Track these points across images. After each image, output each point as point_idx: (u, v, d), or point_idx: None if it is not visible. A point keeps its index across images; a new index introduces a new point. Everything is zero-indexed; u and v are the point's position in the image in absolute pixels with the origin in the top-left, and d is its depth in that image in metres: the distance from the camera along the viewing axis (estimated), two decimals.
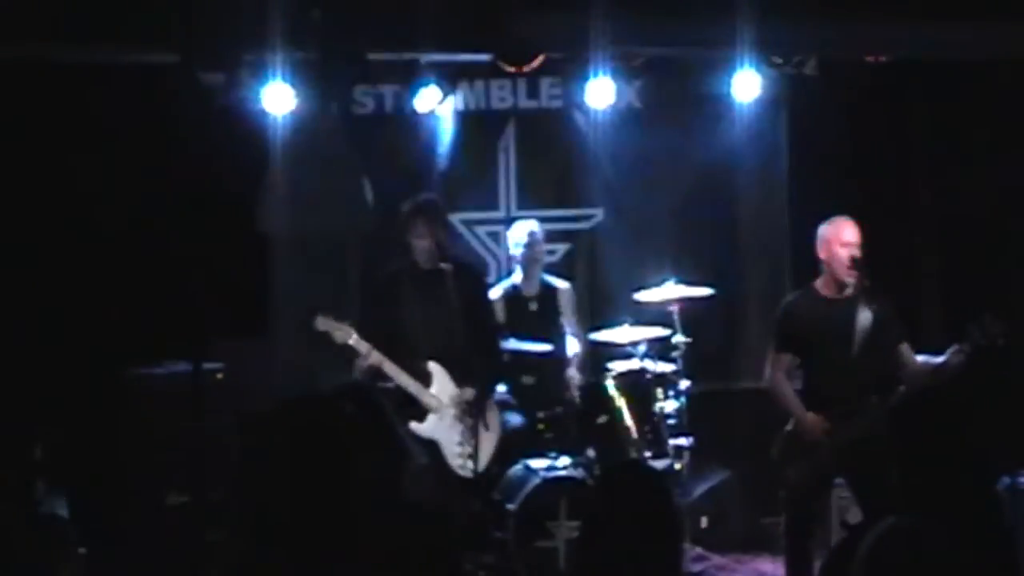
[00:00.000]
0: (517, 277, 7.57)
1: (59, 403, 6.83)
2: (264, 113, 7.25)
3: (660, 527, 3.12)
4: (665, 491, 3.26)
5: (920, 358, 5.92)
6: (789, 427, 5.89)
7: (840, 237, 5.90)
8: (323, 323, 5.91)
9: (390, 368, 5.95)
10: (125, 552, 6.54)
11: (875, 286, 5.82)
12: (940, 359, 5.71)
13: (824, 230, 5.98)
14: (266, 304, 7.92)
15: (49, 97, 7.07)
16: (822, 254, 5.96)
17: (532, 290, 7.49)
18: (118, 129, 7.20)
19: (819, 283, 6.01)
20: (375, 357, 5.90)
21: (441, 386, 6.05)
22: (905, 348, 5.95)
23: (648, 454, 6.75)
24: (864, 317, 5.82)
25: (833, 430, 5.76)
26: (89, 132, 7.15)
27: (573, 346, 7.55)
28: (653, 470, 3.94)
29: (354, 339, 5.87)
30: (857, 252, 5.86)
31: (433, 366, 6.09)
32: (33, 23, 6.56)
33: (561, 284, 7.64)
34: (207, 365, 6.82)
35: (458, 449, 6.01)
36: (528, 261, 7.41)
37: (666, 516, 3.17)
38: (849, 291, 5.90)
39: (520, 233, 7.46)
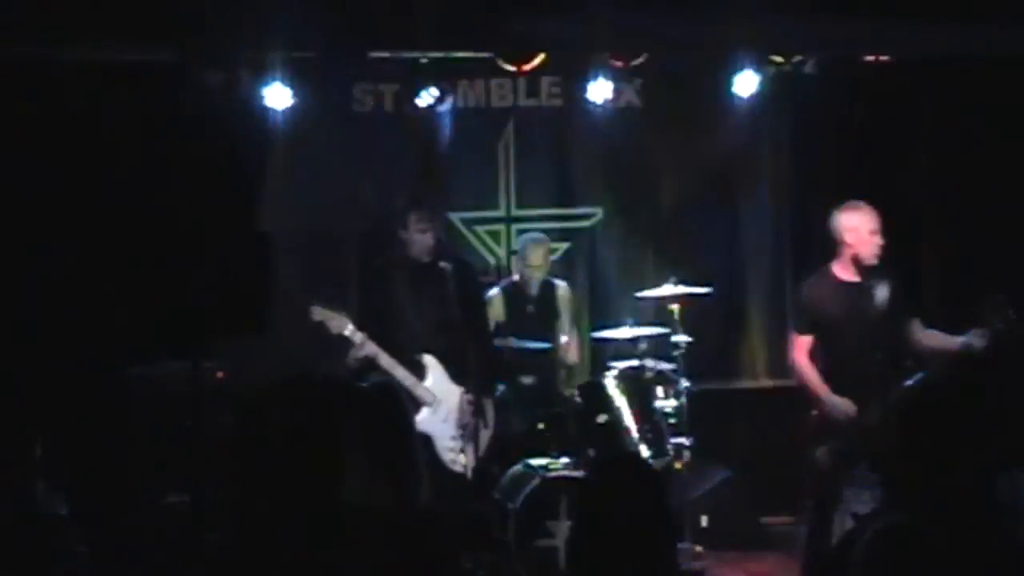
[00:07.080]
0: (517, 276, 7.57)
1: (59, 403, 6.82)
2: (264, 111, 7.25)
3: (654, 522, 3.10)
4: (658, 485, 3.22)
5: (933, 332, 6.04)
6: (814, 411, 5.96)
7: (870, 225, 5.99)
8: (319, 313, 5.90)
9: (385, 360, 5.93)
10: (125, 552, 6.53)
11: (885, 264, 5.98)
12: (959, 340, 5.84)
13: (851, 219, 6.03)
14: (266, 302, 7.92)
15: (49, 97, 7.06)
16: (848, 239, 6.01)
17: (532, 289, 7.51)
18: (118, 129, 7.20)
19: (836, 266, 6.08)
20: (370, 348, 5.88)
21: (436, 380, 6.03)
22: (916, 324, 6.08)
23: (648, 453, 6.75)
24: (880, 296, 5.95)
25: (859, 412, 5.85)
26: (89, 132, 7.15)
27: (566, 347, 7.55)
28: (647, 464, 3.90)
29: (349, 329, 5.86)
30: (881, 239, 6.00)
31: (428, 359, 6.08)
32: (33, 23, 6.56)
33: (560, 284, 7.65)
34: (207, 365, 6.82)
35: (451, 444, 5.99)
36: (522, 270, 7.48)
37: (660, 511, 3.14)
38: (864, 273, 5.98)
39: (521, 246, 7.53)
